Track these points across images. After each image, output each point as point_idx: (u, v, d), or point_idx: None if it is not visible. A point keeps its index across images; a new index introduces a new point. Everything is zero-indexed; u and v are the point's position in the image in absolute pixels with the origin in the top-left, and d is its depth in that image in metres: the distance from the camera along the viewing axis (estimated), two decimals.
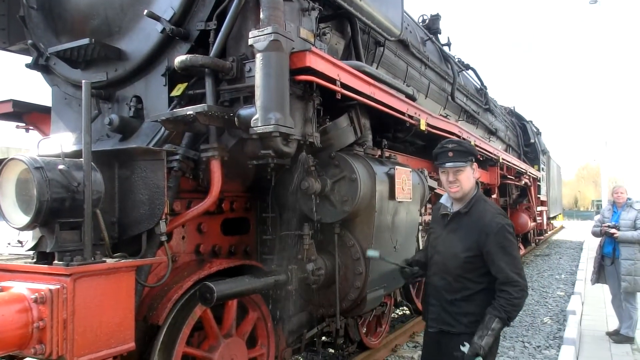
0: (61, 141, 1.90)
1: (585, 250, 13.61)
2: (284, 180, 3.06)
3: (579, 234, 21.34)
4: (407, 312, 6.24)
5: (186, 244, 2.77)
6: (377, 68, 4.30)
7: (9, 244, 2.45)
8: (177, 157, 2.52)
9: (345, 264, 3.12)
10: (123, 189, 2.31)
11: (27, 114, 3.78)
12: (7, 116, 3.68)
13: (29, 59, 3.41)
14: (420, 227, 4.77)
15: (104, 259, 1.82)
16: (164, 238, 2.26)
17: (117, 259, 1.96)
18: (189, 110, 2.29)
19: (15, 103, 3.56)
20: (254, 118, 2.28)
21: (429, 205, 5.31)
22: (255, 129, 2.27)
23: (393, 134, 4.32)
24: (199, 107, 2.27)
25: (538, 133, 14.08)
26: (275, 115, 2.23)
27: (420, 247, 4.78)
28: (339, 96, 2.70)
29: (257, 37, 2.29)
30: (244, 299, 2.91)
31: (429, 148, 5.60)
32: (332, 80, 2.67)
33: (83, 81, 1.87)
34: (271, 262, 2.94)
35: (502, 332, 2.40)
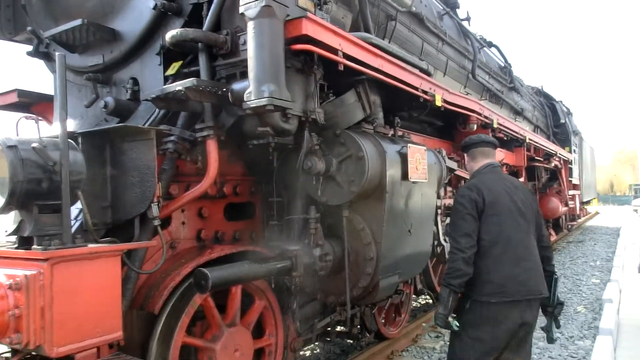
0: (37, 119, 1.79)
1: (623, 236, 12.91)
2: (288, 161, 2.90)
3: (615, 220, 20.37)
4: (430, 300, 6.01)
5: (186, 230, 2.66)
6: (389, 43, 4.06)
7: (6, 231, 2.40)
8: (172, 138, 2.40)
9: (355, 249, 2.94)
10: (115, 172, 2.21)
11: (35, 105, 3.75)
12: (13, 107, 3.66)
13: None
14: (439, 211, 4.53)
15: (85, 243, 1.71)
16: (157, 222, 2.15)
17: (104, 244, 1.86)
18: (178, 85, 2.15)
19: (21, 93, 3.51)
20: (246, 92, 2.12)
21: (449, 188, 5.06)
22: (248, 103, 2.11)
23: (408, 112, 4.09)
24: (187, 82, 2.14)
25: (569, 113, 13.36)
26: (269, 88, 2.06)
27: (440, 232, 4.55)
28: (341, 67, 2.51)
29: (248, 4, 2.12)
30: (249, 287, 2.79)
31: (448, 128, 5.37)
32: (334, 51, 2.48)
33: (57, 54, 1.75)
34: (277, 248, 2.80)
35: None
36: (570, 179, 11.93)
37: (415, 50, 4.63)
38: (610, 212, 28.34)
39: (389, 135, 3.43)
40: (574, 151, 12.67)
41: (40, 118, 3.98)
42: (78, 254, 1.63)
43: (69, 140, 1.78)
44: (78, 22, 2.67)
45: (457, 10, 6.34)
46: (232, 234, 2.96)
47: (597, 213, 25.84)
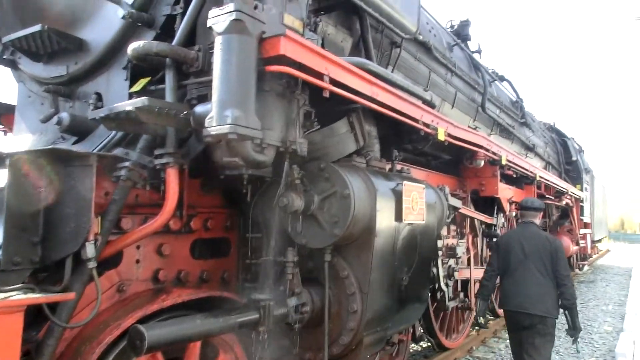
0: None
1: (635, 278, 12.28)
2: (266, 195, 2.56)
3: (626, 259, 19.62)
4: (430, 344, 5.51)
5: (141, 269, 2.30)
6: (392, 71, 3.76)
7: None
8: (127, 164, 2.07)
9: (337, 298, 2.56)
10: (50, 201, 1.87)
11: (5, 116, 3.49)
12: None
13: None
14: (441, 253, 4.13)
15: None
16: (92, 265, 1.80)
17: (11, 292, 1.50)
18: (128, 105, 1.84)
19: None
20: (208, 117, 1.80)
21: (452, 227, 4.66)
22: (208, 129, 1.78)
23: (412, 145, 3.75)
24: (138, 101, 1.82)
25: (580, 150, 12.98)
26: (233, 113, 1.74)
27: (441, 276, 4.13)
28: (326, 94, 2.19)
29: (217, 17, 1.82)
30: (213, 339, 2.40)
31: (455, 162, 5.01)
32: (319, 75, 2.16)
33: None
34: (245, 296, 2.42)
35: None
36: (581, 217, 11.45)
37: (421, 80, 4.33)
38: (621, 250, 27.48)
39: (386, 169, 3.08)
40: (586, 189, 12.22)
41: (5, 130, 3.70)
42: None
43: None
44: (37, 27, 2.40)
45: (468, 42, 6.09)
46: (199, 274, 2.59)
47: (608, 251, 25.05)
